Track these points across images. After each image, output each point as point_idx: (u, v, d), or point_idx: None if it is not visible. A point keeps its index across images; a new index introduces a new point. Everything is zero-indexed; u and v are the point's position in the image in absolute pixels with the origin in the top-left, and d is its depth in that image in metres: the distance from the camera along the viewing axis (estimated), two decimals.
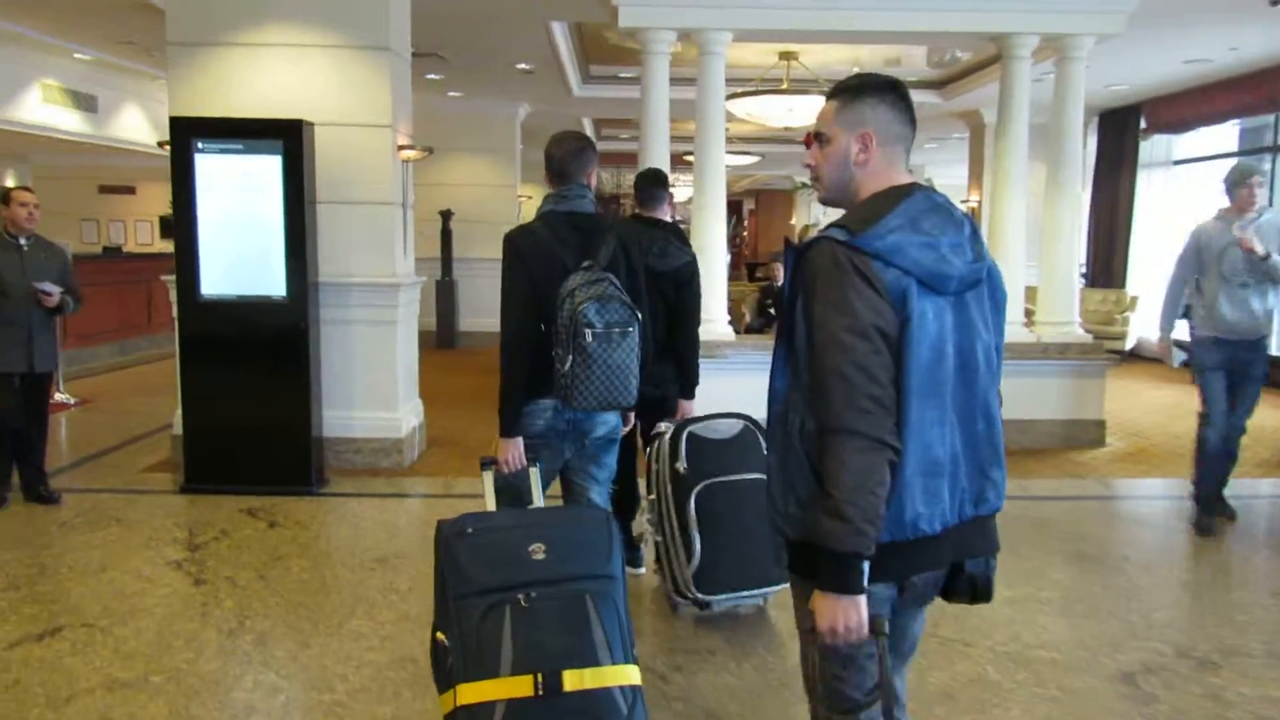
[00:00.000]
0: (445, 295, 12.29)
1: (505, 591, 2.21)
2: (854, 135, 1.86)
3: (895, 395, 1.70)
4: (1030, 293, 7.87)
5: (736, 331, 7.20)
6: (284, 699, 3.20)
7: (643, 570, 4.28)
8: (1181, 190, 12.26)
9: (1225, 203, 5.19)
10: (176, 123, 5.56)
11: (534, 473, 2.97)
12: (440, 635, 2.29)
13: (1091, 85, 8.04)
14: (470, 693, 2.16)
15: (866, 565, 1.71)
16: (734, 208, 26.03)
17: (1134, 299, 12.16)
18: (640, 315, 2.94)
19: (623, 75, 10.91)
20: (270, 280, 5.55)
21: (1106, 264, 12.60)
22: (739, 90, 9.06)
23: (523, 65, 9.90)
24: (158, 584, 4.17)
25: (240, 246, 5.55)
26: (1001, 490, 1.89)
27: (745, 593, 3.77)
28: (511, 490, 2.98)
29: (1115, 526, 5.53)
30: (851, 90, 1.89)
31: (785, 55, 9.51)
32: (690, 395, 4.06)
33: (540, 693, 2.15)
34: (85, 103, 10.98)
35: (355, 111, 5.97)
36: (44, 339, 5.12)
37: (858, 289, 1.69)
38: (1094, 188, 12.59)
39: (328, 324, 5.92)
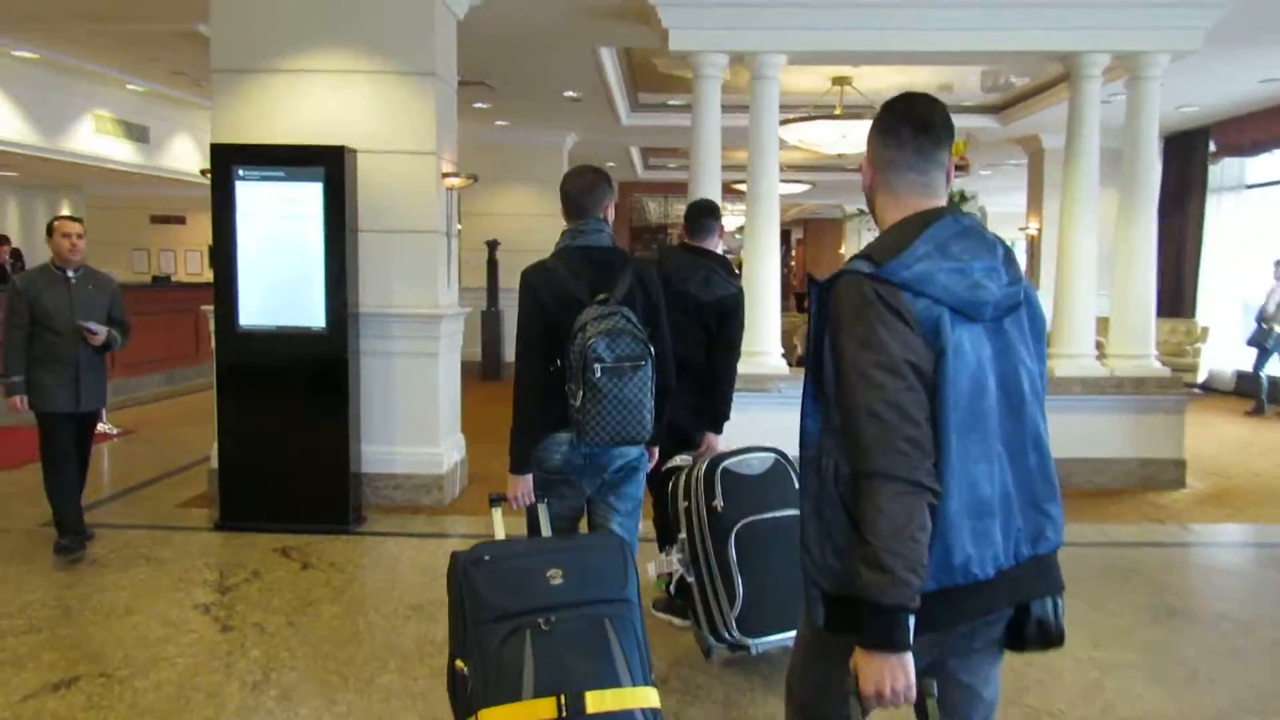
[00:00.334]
0: (491, 326, 12.15)
1: (525, 616, 2.22)
2: (870, 162, 1.82)
3: (932, 433, 1.60)
4: (1102, 324, 7.48)
5: (789, 364, 6.90)
6: None
7: (689, 622, 3.96)
8: (1255, 215, 11.81)
9: None
10: (217, 149, 5.45)
11: (542, 509, 2.96)
12: (459, 663, 2.27)
13: (1159, 107, 7.65)
14: (493, 717, 2.14)
15: (912, 619, 1.58)
16: (783, 237, 25.76)
17: (1205, 329, 11.66)
18: (654, 349, 2.92)
19: (671, 103, 10.76)
20: (310, 310, 5.39)
21: (1175, 293, 12.08)
22: (791, 116, 8.82)
23: (570, 93, 9.78)
24: (183, 630, 3.97)
25: (280, 275, 5.40)
26: (1060, 526, 1.77)
27: (787, 634, 3.52)
28: (538, 520, 2.97)
29: (1205, 578, 5.12)
30: (877, 116, 1.83)
31: (838, 80, 9.26)
32: (719, 429, 3.95)
33: (564, 714, 2.13)
34: (137, 133, 11.08)
35: (399, 138, 5.84)
36: (92, 377, 4.90)
37: (887, 322, 1.60)
38: (1160, 214, 12.09)
39: (368, 356, 5.75)
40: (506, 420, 2.99)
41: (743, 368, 4.41)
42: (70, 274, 4.88)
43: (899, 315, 1.60)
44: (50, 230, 4.93)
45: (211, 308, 5.48)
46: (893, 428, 1.57)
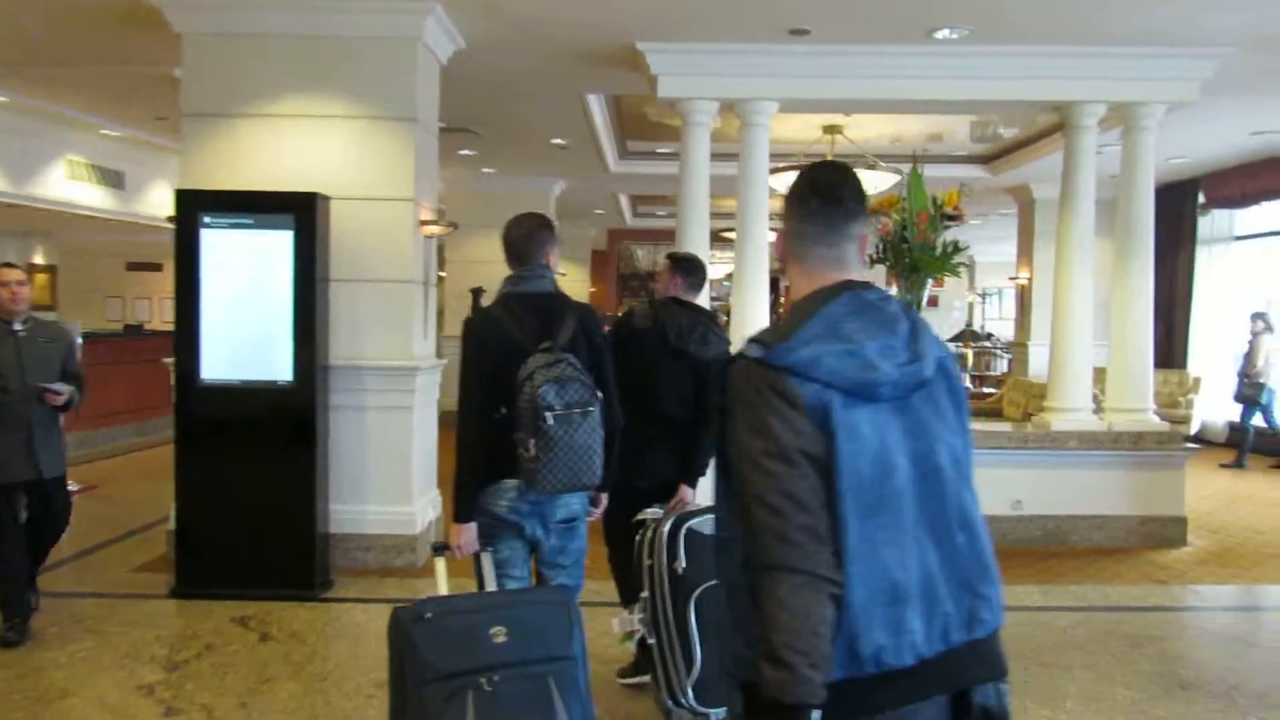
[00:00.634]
0: None
1: (467, 676, 2.19)
2: (781, 233, 1.79)
3: (832, 520, 1.54)
4: (1097, 375, 7.31)
5: None
6: None
7: (646, 678, 3.72)
8: (1243, 266, 11.83)
9: None
10: (183, 195, 5.23)
11: (486, 558, 2.97)
12: None
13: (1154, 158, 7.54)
14: None
15: (818, 715, 1.52)
16: (772, 284, 25.67)
17: (1197, 380, 11.54)
18: (601, 394, 2.95)
19: (660, 151, 10.66)
20: (277, 363, 5.14)
21: (1167, 344, 11.97)
22: (781, 165, 8.70)
23: (558, 140, 9.65)
24: (122, 715, 3.65)
25: (246, 327, 5.17)
26: (997, 607, 1.68)
27: None
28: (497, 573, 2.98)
29: (1216, 646, 4.87)
30: (791, 185, 1.79)
31: (829, 129, 9.18)
32: (693, 483, 3.82)
33: None
34: (112, 179, 10.87)
35: (377, 185, 5.65)
36: (50, 439, 4.51)
37: (775, 409, 1.57)
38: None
39: (339, 410, 5.50)
40: None
41: None
42: (17, 326, 4.47)
43: (788, 401, 1.56)
44: None
45: (172, 360, 5.23)
46: (787, 518, 1.53)
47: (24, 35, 6.52)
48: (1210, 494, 8.35)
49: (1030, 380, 11.26)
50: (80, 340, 7.63)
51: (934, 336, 1.73)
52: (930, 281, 6.69)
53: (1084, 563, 6.22)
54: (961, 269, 6.77)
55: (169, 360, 5.33)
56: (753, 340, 1.66)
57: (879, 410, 1.61)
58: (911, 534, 1.61)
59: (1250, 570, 6.13)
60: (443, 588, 2.76)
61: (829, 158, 8.91)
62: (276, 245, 5.15)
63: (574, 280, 18.16)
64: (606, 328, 3.53)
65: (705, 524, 3.43)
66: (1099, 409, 6.96)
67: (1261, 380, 9.90)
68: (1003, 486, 6.56)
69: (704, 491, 3.72)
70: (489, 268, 12.32)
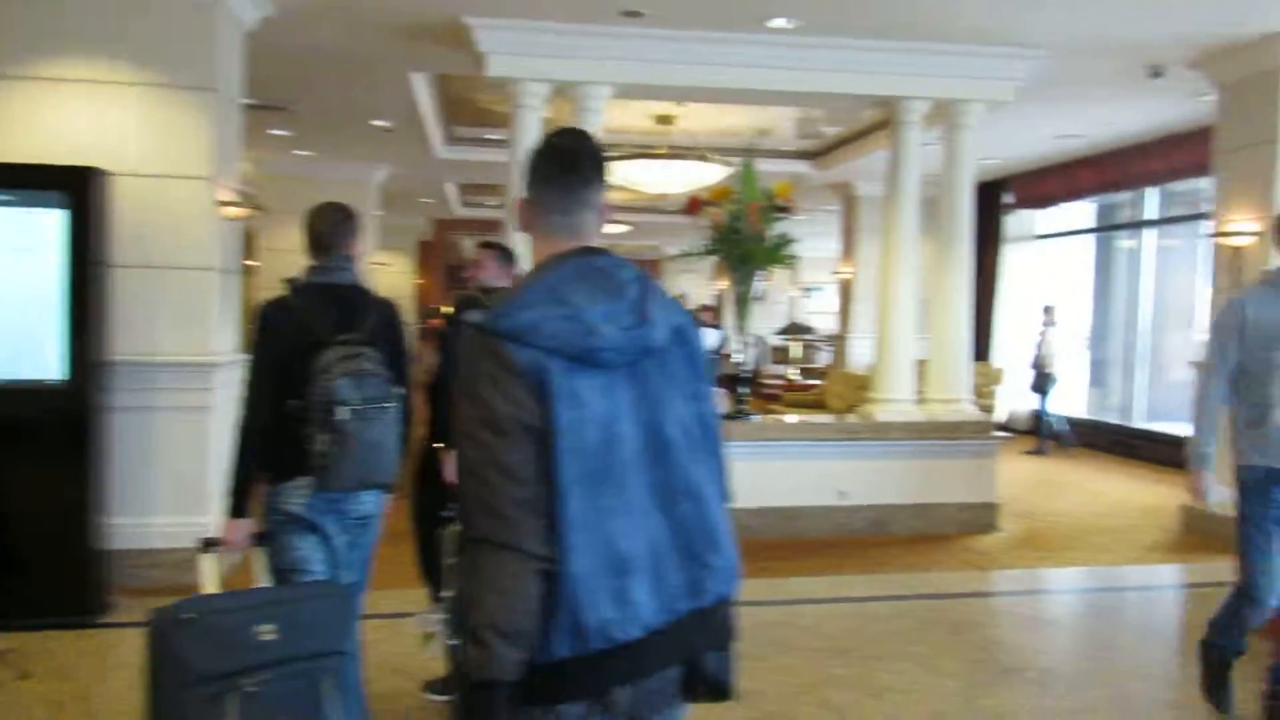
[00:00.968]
0: None
1: (230, 678, 2.10)
2: (521, 202, 1.75)
3: (551, 491, 1.50)
4: (920, 368, 7.53)
5: None
6: None
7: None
8: (1044, 264, 12.64)
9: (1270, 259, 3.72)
10: None
11: (260, 554, 2.87)
12: None
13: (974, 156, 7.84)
14: None
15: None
16: None
17: (1001, 371, 12.20)
18: (402, 391, 2.92)
19: (489, 137, 10.29)
20: (44, 360, 4.51)
21: (975, 337, 12.59)
22: (614, 154, 8.54)
23: (380, 122, 9.13)
24: None
25: (5, 319, 4.51)
26: (725, 576, 1.67)
27: None
28: (283, 571, 2.84)
29: (1032, 630, 5.04)
30: (530, 153, 1.78)
31: (662, 119, 9.08)
32: None
33: None
34: None
35: (168, 160, 5.11)
36: None
37: (492, 377, 1.53)
38: None
39: (124, 412, 4.91)
40: None
41: None
42: None
43: (504, 368, 1.52)
44: None
45: None
46: (496, 490, 1.50)
47: None
48: (1016, 480, 8.80)
49: (852, 372, 11.60)
50: None
51: (671, 303, 1.69)
52: (761, 274, 6.69)
53: (906, 550, 6.38)
54: (792, 261, 6.81)
55: None
56: (465, 310, 1.68)
57: (606, 377, 1.58)
58: (639, 504, 1.58)
59: (1056, 554, 6.45)
60: (209, 586, 2.64)
61: (661, 150, 8.83)
62: (44, 225, 4.52)
63: (399, 272, 17.45)
64: (437, 322, 3.33)
65: None
66: (920, 400, 7.16)
67: (1049, 371, 10.60)
68: (829, 477, 6.66)
69: None
70: (305, 258, 11.64)
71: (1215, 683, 3.67)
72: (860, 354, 12.81)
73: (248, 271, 8.12)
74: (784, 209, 6.64)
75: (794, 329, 16.10)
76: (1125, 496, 8.39)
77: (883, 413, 6.86)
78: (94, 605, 4.54)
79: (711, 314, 12.63)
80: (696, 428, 1.67)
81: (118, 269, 4.90)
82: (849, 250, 13.34)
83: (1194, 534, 6.79)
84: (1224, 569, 5.49)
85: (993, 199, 12.31)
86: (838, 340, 14.13)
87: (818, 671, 4.13)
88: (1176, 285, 10.74)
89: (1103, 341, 12.17)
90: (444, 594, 3.05)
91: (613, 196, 12.13)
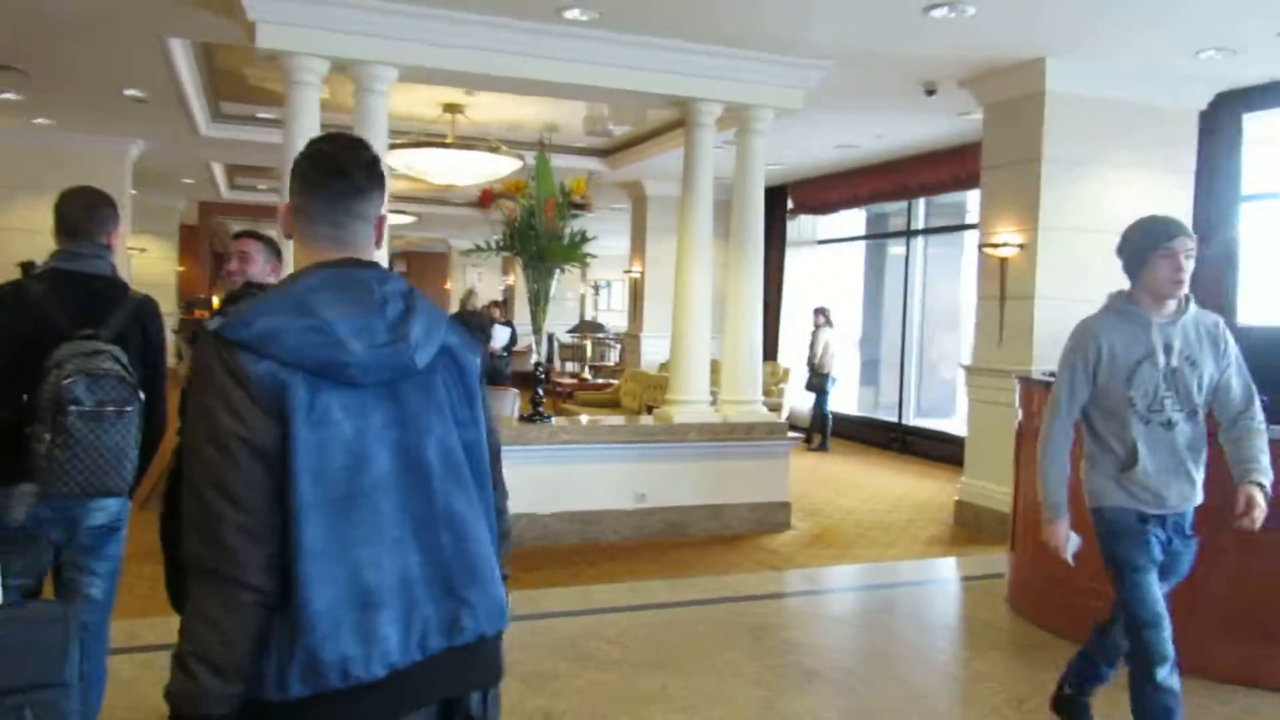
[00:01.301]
0: None
1: None
2: (285, 208, 1.65)
3: (280, 517, 1.40)
4: (714, 368, 7.58)
5: None
6: None
7: None
8: (822, 267, 13.25)
9: (1112, 283, 3.22)
10: None
11: None
12: None
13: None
14: None
15: None
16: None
17: (786, 370, 12.65)
18: (144, 395, 2.70)
19: (261, 115, 9.51)
20: None
21: (763, 338, 13.03)
22: (400, 141, 8.07)
23: (133, 91, 8.18)
24: None
25: None
26: (485, 614, 1.57)
27: None
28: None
29: (830, 630, 5.13)
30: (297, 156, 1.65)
31: (450, 108, 8.69)
32: None
33: None
34: None
35: None
36: None
37: (221, 390, 1.42)
38: None
39: None
40: None
41: None
42: None
43: (236, 380, 1.42)
44: None
45: None
46: (217, 514, 1.39)
47: None
48: (802, 477, 9.08)
49: (646, 371, 11.64)
50: None
51: (443, 323, 1.60)
52: (558, 271, 6.49)
53: (703, 552, 6.38)
54: (589, 259, 6.66)
55: None
56: (218, 312, 1.56)
57: (358, 395, 1.48)
58: (391, 533, 1.48)
59: (848, 550, 6.63)
60: None
61: (449, 139, 8.44)
62: None
63: (157, 258, 15.98)
64: (204, 314, 2.92)
65: None
66: (714, 402, 7.19)
67: (825, 370, 11.10)
68: (627, 480, 6.57)
69: None
70: (41, 239, 10.25)
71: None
72: (652, 352, 12.90)
73: None
74: (581, 205, 6.47)
75: (586, 326, 16.05)
76: (904, 492, 8.82)
77: (680, 414, 6.83)
78: None
79: (500, 310, 12.31)
80: (462, 456, 1.58)
81: None
82: (639, 248, 13.42)
83: (963, 527, 7.22)
84: (994, 561, 5.88)
85: (776, 203, 12.73)
86: (629, 339, 14.19)
87: (626, 687, 3.98)
88: (943, 291, 11.48)
89: (875, 342, 12.88)
90: None
91: (397, 186, 11.59)
